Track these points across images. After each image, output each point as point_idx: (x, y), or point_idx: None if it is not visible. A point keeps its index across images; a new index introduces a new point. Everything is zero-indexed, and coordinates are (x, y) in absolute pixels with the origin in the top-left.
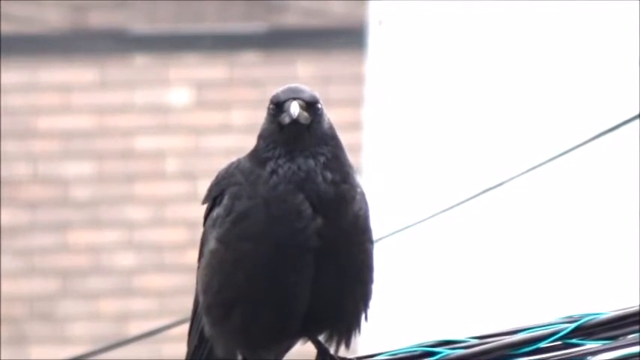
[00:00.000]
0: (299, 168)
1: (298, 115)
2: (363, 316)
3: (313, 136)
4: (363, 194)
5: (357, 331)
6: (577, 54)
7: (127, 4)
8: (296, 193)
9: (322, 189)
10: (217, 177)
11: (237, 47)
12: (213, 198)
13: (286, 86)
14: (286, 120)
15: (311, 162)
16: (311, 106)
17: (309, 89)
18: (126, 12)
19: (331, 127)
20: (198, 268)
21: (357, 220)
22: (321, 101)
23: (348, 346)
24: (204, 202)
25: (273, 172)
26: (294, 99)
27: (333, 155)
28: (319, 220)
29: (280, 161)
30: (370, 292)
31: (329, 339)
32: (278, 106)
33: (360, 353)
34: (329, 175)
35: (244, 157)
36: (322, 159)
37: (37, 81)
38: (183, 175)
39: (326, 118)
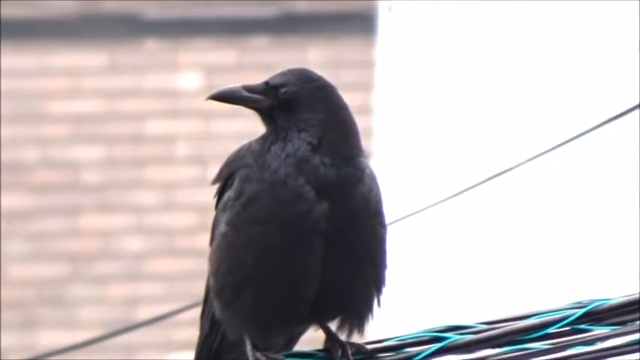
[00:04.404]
0: (287, 155)
1: (215, 94)
2: (375, 302)
3: (284, 119)
4: (372, 177)
5: (370, 316)
6: (578, 44)
7: None
8: (297, 176)
9: (321, 172)
10: (229, 158)
11: (248, 32)
12: (224, 178)
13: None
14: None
15: (299, 146)
16: (273, 89)
17: (300, 73)
18: None
19: (320, 112)
20: (210, 251)
21: (367, 203)
22: (299, 87)
23: (361, 332)
24: (214, 183)
25: (271, 155)
26: (266, 82)
27: (323, 140)
28: (325, 204)
29: (273, 145)
30: (383, 278)
31: (341, 325)
32: None
33: (369, 339)
34: (327, 159)
35: (255, 140)
36: (310, 143)
37: (48, 65)
38: (193, 159)
39: (305, 103)
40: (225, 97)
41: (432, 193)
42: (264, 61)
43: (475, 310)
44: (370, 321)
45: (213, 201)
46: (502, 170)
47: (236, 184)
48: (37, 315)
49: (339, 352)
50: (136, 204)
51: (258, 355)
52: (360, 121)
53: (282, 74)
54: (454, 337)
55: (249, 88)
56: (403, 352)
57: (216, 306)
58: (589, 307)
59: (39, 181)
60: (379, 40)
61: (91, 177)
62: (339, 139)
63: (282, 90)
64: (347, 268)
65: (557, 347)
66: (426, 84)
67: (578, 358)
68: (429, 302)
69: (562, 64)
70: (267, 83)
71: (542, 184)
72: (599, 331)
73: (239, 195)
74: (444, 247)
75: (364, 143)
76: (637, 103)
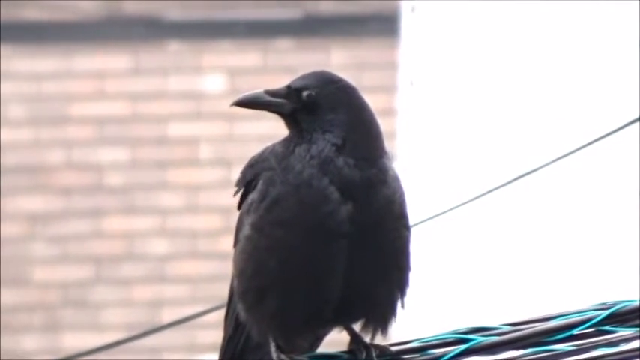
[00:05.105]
0: (312, 156)
1: (239, 100)
2: (399, 304)
3: (308, 122)
4: (396, 179)
5: (394, 318)
6: (579, 59)
7: None
8: (321, 177)
9: (346, 173)
10: (251, 160)
11: (271, 34)
12: (247, 182)
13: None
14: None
15: (324, 147)
16: (295, 92)
17: (321, 75)
18: None
19: (343, 113)
20: (234, 253)
21: (392, 206)
22: (321, 89)
23: (385, 333)
24: (237, 185)
25: (295, 157)
26: (288, 85)
27: (347, 141)
28: (349, 206)
29: (297, 148)
30: (407, 279)
31: (365, 326)
32: None
33: (393, 340)
34: (351, 161)
35: (278, 143)
36: (334, 144)
37: (72, 68)
38: (216, 161)
39: (328, 105)
40: (248, 102)
41: (456, 194)
42: (287, 64)
43: (499, 312)
44: (394, 322)
45: (236, 201)
46: (526, 172)
47: (260, 186)
48: (61, 317)
49: (364, 354)
50: (159, 206)
51: (283, 356)
52: (383, 123)
53: (303, 77)
54: (479, 339)
55: (271, 93)
56: (427, 354)
57: (240, 308)
58: (614, 309)
59: (63, 183)
60: (402, 41)
61: (114, 179)
62: (362, 140)
63: (305, 93)
64: (371, 270)
65: (581, 348)
66: (449, 85)
67: (603, 359)
68: (453, 304)
69: (571, 73)
70: (289, 87)
71: (567, 186)
72: (624, 332)
73: (263, 197)
74: (467, 249)
75: (388, 145)
76: (637, 116)
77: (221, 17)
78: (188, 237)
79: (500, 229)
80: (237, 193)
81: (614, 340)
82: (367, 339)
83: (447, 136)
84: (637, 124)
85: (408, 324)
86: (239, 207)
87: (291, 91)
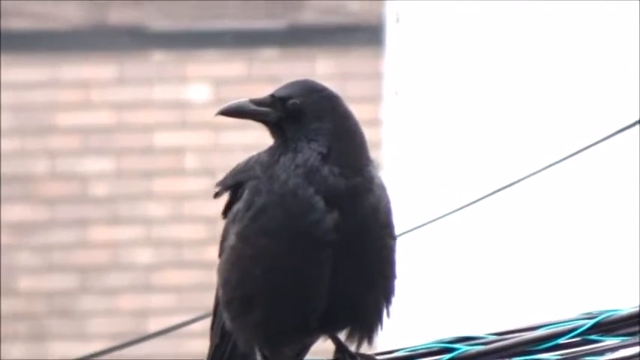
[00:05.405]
0: (297, 165)
1: (224, 109)
2: (384, 313)
3: (293, 130)
4: (382, 188)
5: (379, 327)
6: (579, 61)
7: (146, 1)
8: (307, 186)
9: (331, 182)
10: (236, 168)
11: (256, 44)
12: (229, 187)
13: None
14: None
15: (310, 156)
16: (280, 101)
17: (305, 83)
18: (145, 8)
19: (328, 121)
20: (219, 262)
21: (377, 214)
22: (305, 97)
23: (370, 342)
24: (216, 188)
25: (280, 166)
26: (272, 94)
27: (332, 150)
28: (335, 214)
29: (283, 157)
30: (392, 288)
31: (350, 336)
32: None
33: (379, 349)
34: (336, 169)
35: (264, 151)
36: (319, 153)
37: (57, 77)
38: (202, 171)
39: (313, 114)
40: (233, 112)
41: (442, 204)
42: (272, 73)
43: (485, 321)
44: (379, 331)
45: (220, 211)
46: (512, 182)
47: (245, 195)
48: (47, 327)
49: None
50: (145, 216)
51: None
52: (369, 133)
53: (287, 86)
54: (464, 348)
55: (256, 102)
56: None
57: (225, 317)
58: (599, 318)
59: (48, 193)
60: (387, 51)
61: (99, 189)
62: (347, 149)
63: (291, 101)
64: (356, 279)
65: (567, 358)
66: (434, 95)
67: None
68: (438, 313)
69: (567, 77)
70: (273, 96)
71: (552, 196)
72: (610, 341)
73: (248, 207)
74: (453, 259)
75: (373, 155)
76: (637, 119)
77: (206, 27)
78: (173, 246)
79: (486, 238)
80: (217, 195)
81: (599, 349)
82: (353, 348)
83: (433, 146)
84: (637, 126)
85: (394, 333)
86: (223, 214)
87: (276, 100)
